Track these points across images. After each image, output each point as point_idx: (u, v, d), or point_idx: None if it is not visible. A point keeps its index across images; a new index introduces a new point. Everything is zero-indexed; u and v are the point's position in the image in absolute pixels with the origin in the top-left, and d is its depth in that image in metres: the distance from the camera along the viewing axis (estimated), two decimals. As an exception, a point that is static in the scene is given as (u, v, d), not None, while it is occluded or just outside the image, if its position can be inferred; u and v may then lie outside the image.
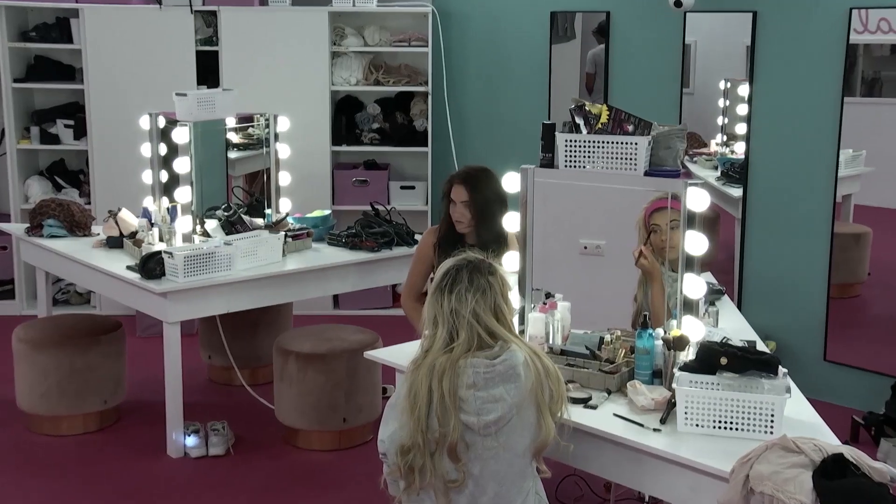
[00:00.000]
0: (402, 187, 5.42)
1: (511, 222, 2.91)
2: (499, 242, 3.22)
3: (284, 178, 4.31)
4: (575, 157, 2.75)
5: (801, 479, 1.90)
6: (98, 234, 4.13)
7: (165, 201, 4.12)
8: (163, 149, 4.12)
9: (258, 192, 4.39)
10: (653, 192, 2.67)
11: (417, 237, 3.99)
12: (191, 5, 5.01)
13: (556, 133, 2.78)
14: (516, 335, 2.21)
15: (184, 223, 3.96)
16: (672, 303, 2.64)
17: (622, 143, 2.68)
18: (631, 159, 2.68)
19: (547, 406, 2.16)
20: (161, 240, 3.97)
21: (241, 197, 4.44)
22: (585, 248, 2.83)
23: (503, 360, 2.13)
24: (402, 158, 5.59)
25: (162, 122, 4.10)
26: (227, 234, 3.96)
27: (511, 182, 2.87)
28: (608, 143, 2.70)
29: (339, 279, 3.95)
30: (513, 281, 2.68)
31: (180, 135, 3.93)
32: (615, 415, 2.46)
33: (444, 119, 5.44)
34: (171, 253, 3.56)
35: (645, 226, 2.68)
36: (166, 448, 3.67)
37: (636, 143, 2.67)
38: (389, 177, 5.46)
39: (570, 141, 2.75)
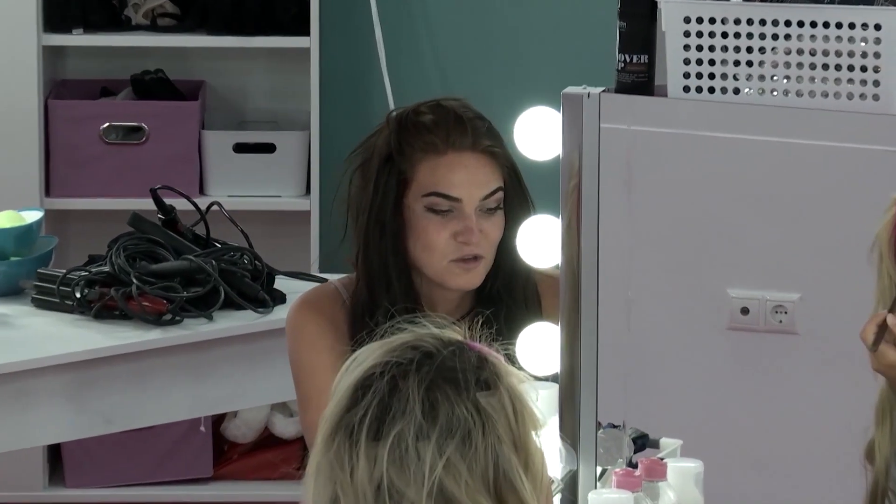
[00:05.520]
0: (241, 147, 5.61)
1: (539, 248, 3.02)
2: (527, 297, 3.52)
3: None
4: (712, 65, 2.85)
5: None
6: None
7: None
8: None
9: None
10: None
11: (288, 286, 4.16)
12: None
13: (661, 0, 2.89)
14: None
15: None
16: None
17: (836, 28, 2.81)
18: (863, 69, 2.82)
19: None
20: None
21: None
22: (746, 311, 2.90)
23: None
24: (239, 69, 5.90)
25: None
26: None
27: (535, 135, 3.06)
28: (801, 28, 2.81)
29: (66, 405, 4.01)
30: (547, 403, 2.90)
31: None
32: None
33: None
34: None
35: (892, 255, 2.95)
36: None
37: (878, 28, 2.80)
38: (205, 120, 5.73)
39: (700, 20, 2.85)
